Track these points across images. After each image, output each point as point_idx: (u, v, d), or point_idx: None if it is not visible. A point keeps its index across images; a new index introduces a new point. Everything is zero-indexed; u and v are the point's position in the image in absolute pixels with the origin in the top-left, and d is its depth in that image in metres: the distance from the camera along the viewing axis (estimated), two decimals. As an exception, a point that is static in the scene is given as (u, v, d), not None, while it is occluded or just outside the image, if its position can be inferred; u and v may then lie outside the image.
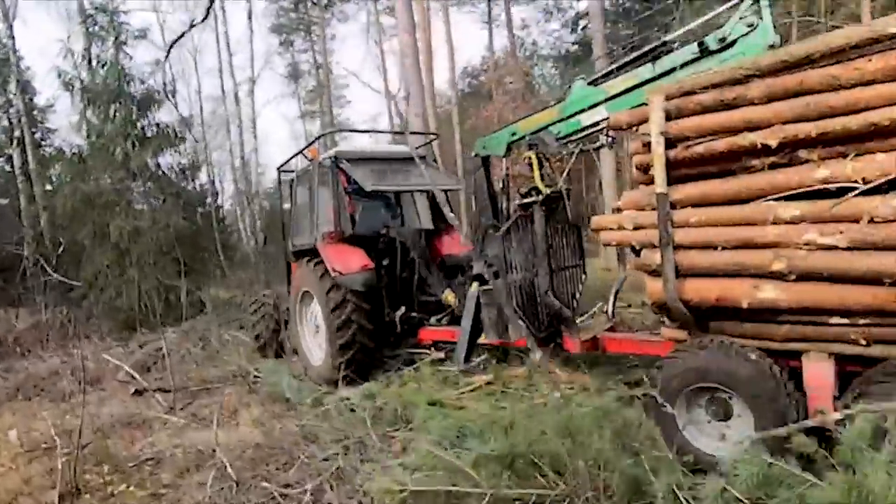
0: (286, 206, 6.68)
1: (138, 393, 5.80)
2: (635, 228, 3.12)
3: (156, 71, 12.69)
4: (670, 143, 2.90)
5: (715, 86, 2.78)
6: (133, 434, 4.63)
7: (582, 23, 20.63)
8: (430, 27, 14.74)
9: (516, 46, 21.34)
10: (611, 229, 3.24)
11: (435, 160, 6.10)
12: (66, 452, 3.84)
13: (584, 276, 4.74)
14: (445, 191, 5.88)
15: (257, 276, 13.52)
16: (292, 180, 6.43)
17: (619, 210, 3.31)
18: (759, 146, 2.60)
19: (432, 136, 6.31)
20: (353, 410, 4.26)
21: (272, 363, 6.27)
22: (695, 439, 2.87)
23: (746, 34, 3.18)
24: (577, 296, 4.56)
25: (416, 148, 6.30)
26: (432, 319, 5.33)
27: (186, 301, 10.02)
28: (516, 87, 16.17)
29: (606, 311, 4.13)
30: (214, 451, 3.82)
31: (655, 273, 3.06)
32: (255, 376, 5.88)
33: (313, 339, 5.72)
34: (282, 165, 6.88)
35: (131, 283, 10.36)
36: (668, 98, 2.91)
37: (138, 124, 11.49)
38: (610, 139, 4.14)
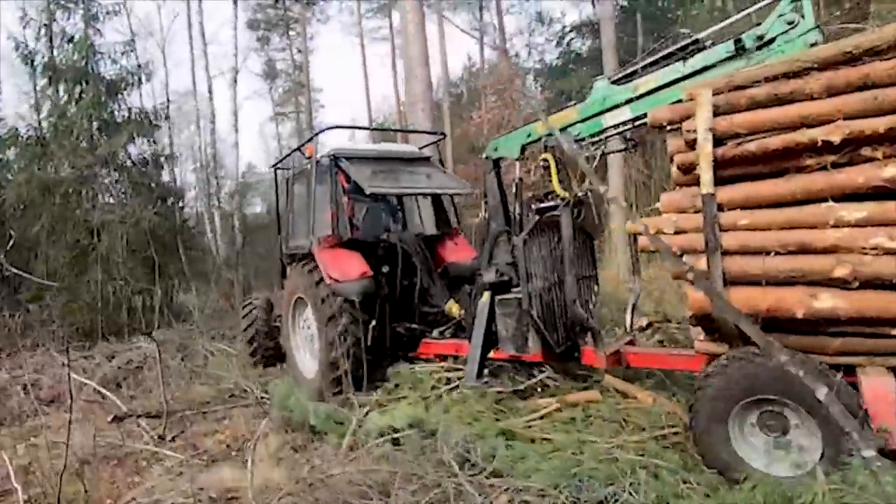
0: (281, 206, 6.31)
1: (118, 419, 4.74)
2: (676, 233, 2.90)
3: (128, 51, 11.44)
4: (717, 140, 2.71)
5: (768, 80, 2.60)
6: (116, 473, 3.71)
7: (569, 36, 20.90)
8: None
9: (507, 52, 21.31)
10: (648, 234, 3.00)
11: (442, 161, 5.79)
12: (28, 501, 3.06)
13: (597, 287, 4.51)
14: (453, 195, 5.58)
15: (232, 282, 12.63)
16: (288, 179, 6.04)
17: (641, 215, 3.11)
18: (820, 143, 2.42)
19: (439, 136, 5.99)
20: (397, 442, 3.43)
21: (283, 382, 5.10)
22: (747, 455, 2.62)
23: (786, 32, 3.04)
24: (592, 307, 4.32)
25: (422, 148, 6.02)
26: (434, 332, 5.00)
27: (160, 307, 9.14)
28: (508, 94, 16.06)
29: (642, 325, 3.90)
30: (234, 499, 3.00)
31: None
32: (262, 397, 5.11)
33: (306, 349, 5.31)
34: (276, 163, 6.50)
35: (94, 283, 9.17)
36: (716, 93, 2.72)
37: (107, 107, 10.51)
38: (633, 142, 3.95)
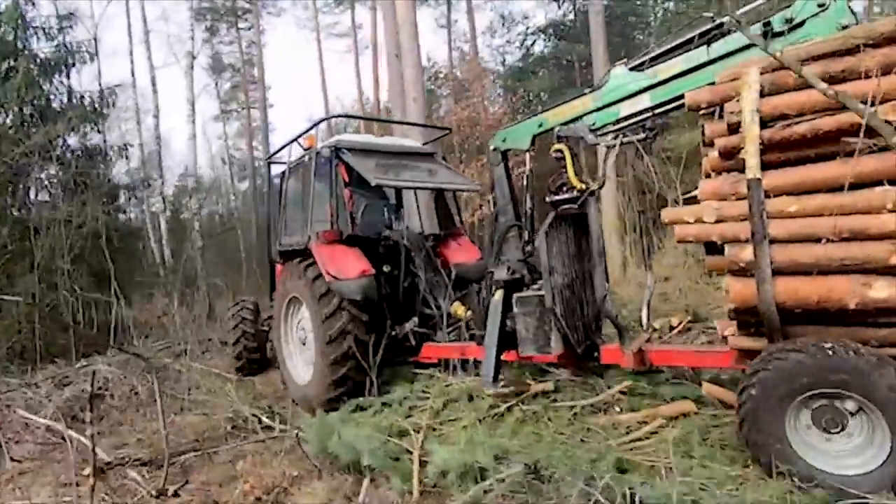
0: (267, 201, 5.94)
1: (99, 470, 3.38)
2: (717, 221, 2.73)
3: (67, 27, 10.10)
4: (762, 123, 2.56)
5: (816, 58, 2.47)
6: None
7: (532, 37, 20.97)
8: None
9: (477, 50, 21.12)
10: (687, 222, 2.83)
11: (444, 158, 5.53)
12: None
13: (607, 284, 4.34)
14: (459, 191, 5.33)
15: (184, 293, 11.39)
16: (283, 173, 5.66)
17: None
18: (878, 124, 2.29)
19: (444, 131, 5.71)
20: (483, 478, 2.69)
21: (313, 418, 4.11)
22: (803, 452, 2.46)
23: (817, 14, 2.95)
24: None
25: (424, 144, 5.75)
26: (438, 334, 4.73)
27: (116, 321, 8.04)
28: (479, 93, 15.90)
29: (671, 324, 3.72)
30: None
31: (741, 272, 2.69)
32: (273, 426, 4.26)
33: (299, 353, 4.95)
34: (271, 156, 6.13)
35: (31, 294, 7.66)
36: (760, 73, 2.57)
37: (42, 90, 9.29)
38: (651, 131, 3.80)
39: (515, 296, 3.69)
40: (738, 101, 2.60)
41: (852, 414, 2.40)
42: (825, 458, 2.43)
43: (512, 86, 19.07)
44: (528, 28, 21.44)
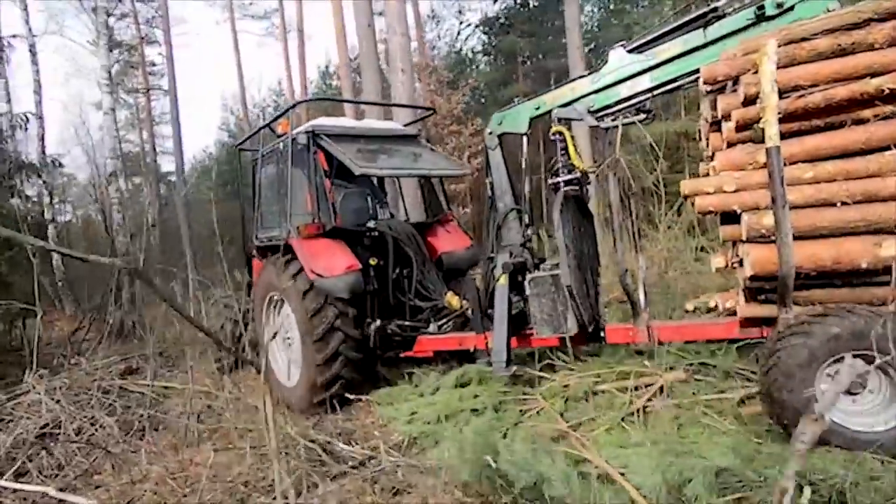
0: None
1: None
2: (737, 190, 2.82)
3: None
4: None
5: (827, 31, 2.62)
6: None
7: (465, 33, 21.28)
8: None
9: (423, 39, 20.96)
10: (707, 193, 2.90)
11: (428, 140, 5.36)
12: None
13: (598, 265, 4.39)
14: (448, 177, 5.20)
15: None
16: (254, 161, 5.25)
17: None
18: (887, 91, 2.46)
19: (428, 111, 5.54)
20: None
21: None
22: (842, 415, 2.56)
23: (805, 0, 3.15)
24: (599, 283, 4.18)
25: (406, 125, 5.54)
26: (432, 327, 4.57)
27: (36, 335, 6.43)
28: (428, 81, 15.75)
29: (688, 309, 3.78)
30: None
31: (761, 239, 2.78)
32: (372, 451, 3.29)
33: (284, 354, 4.61)
34: (241, 143, 5.66)
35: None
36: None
37: None
38: (649, 113, 3.89)
39: (529, 276, 3.63)
40: (755, 72, 2.70)
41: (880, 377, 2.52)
42: (852, 417, 2.54)
43: (456, 78, 19.18)
44: (461, 22, 21.76)
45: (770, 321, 3.14)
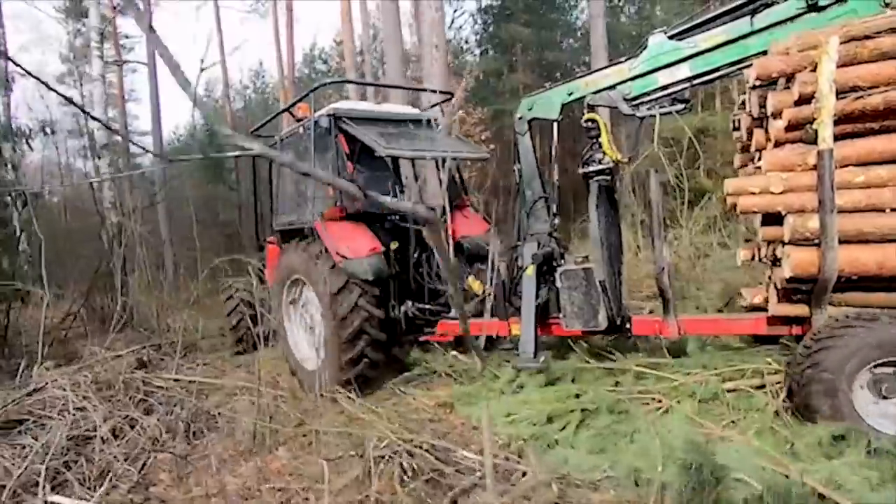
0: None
1: None
2: (784, 192, 2.77)
3: None
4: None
5: (893, 30, 2.52)
6: None
7: (458, 21, 20.53)
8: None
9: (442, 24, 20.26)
10: (752, 193, 2.85)
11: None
12: None
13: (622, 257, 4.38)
14: (469, 160, 5.11)
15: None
16: (272, 146, 5.13)
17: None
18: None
19: (446, 96, 5.43)
20: None
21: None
22: (866, 414, 2.60)
23: (861, -10, 3.02)
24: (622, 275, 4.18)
25: (424, 110, 5.41)
26: (453, 311, 4.57)
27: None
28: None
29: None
30: None
31: (803, 242, 2.76)
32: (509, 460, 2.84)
33: (305, 337, 4.62)
34: (256, 129, 5.54)
35: None
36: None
37: None
38: (686, 102, 3.79)
39: (561, 270, 3.61)
40: (812, 70, 2.61)
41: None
42: (886, 419, 2.58)
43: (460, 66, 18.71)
44: (455, 10, 21.04)
45: (801, 320, 3.17)
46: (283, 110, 5.10)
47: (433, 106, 5.41)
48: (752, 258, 3.80)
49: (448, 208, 5.18)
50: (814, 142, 2.65)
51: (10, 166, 9.73)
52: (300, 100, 4.82)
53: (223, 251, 11.82)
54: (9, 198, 6.33)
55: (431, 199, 5.55)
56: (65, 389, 3.84)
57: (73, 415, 3.55)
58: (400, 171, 5.48)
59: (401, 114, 4.97)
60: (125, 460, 3.19)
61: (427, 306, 4.63)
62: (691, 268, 5.80)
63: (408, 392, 4.22)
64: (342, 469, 2.83)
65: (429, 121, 5.06)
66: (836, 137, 2.65)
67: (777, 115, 2.79)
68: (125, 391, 4.08)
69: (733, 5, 3.38)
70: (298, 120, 4.70)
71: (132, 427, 3.57)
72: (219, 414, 3.96)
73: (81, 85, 20.80)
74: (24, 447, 3.21)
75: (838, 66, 2.59)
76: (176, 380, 4.55)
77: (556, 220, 3.99)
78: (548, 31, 19.97)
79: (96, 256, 8.20)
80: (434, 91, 5.56)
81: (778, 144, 2.84)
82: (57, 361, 5.08)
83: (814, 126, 2.62)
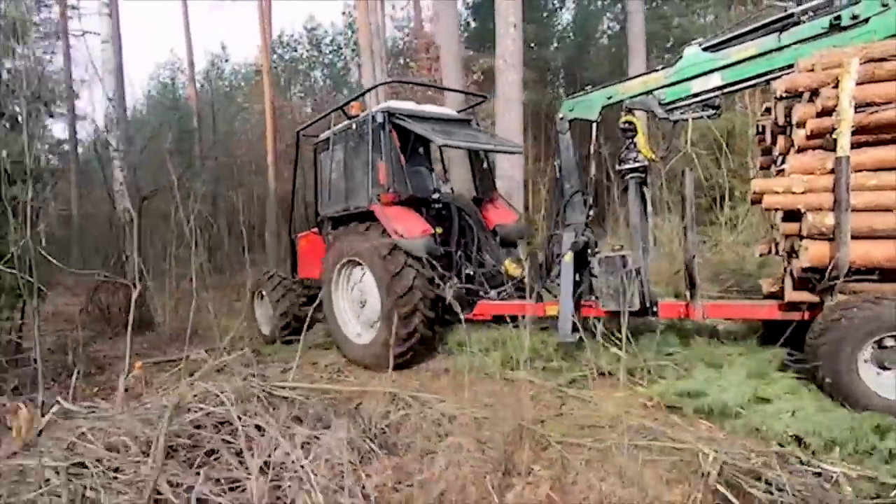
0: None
1: None
2: (805, 192, 3.17)
3: None
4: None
5: (906, 54, 2.90)
6: None
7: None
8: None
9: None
10: (776, 192, 3.25)
11: (476, 123, 5.69)
12: None
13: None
14: (508, 153, 5.54)
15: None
16: (323, 141, 5.58)
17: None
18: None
19: (479, 98, 5.85)
20: None
21: None
22: (869, 381, 3.01)
23: (879, 13, 3.38)
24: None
25: (459, 111, 5.83)
26: (492, 292, 5.00)
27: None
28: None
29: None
30: None
31: (819, 236, 3.16)
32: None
33: (356, 315, 5.05)
34: (305, 128, 5.98)
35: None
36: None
37: None
38: (717, 109, 4.17)
39: (599, 256, 4.02)
40: (834, 86, 2.99)
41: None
42: (886, 387, 3.00)
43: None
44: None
45: (812, 307, 3.57)
46: (334, 110, 5.51)
47: (468, 108, 5.85)
48: (769, 252, 4.21)
49: (483, 198, 5.62)
50: (833, 149, 3.04)
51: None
52: (354, 99, 5.28)
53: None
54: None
55: (461, 190, 5.96)
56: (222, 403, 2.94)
57: (251, 437, 2.74)
58: (431, 163, 5.92)
59: (440, 113, 5.42)
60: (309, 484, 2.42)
61: (471, 287, 5.06)
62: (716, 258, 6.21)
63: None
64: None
65: (468, 120, 5.48)
66: (853, 146, 3.04)
67: (801, 124, 3.18)
68: (269, 404, 3.21)
69: (763, 22, 3.75)
70: (350, 117, 5.11)
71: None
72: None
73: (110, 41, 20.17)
74: (237, 484, 2.46)
75: (857, 84, 2.97)
76: (294, 388, 3.72)
77: (592, 212, 4.40)
78: (548, 31, 20.15)
79: (106, 246, 7.58)
80: (472, 94, 5.99)
81: (801, 150, 3.23)
82: (85, 368, 4.57)
83: (833, 135, 3.01)
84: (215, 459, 2.64)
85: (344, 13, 25.75)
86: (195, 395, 3.17)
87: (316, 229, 6.08)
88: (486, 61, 18.79)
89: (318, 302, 4.67)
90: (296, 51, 27.52)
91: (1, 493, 2.41)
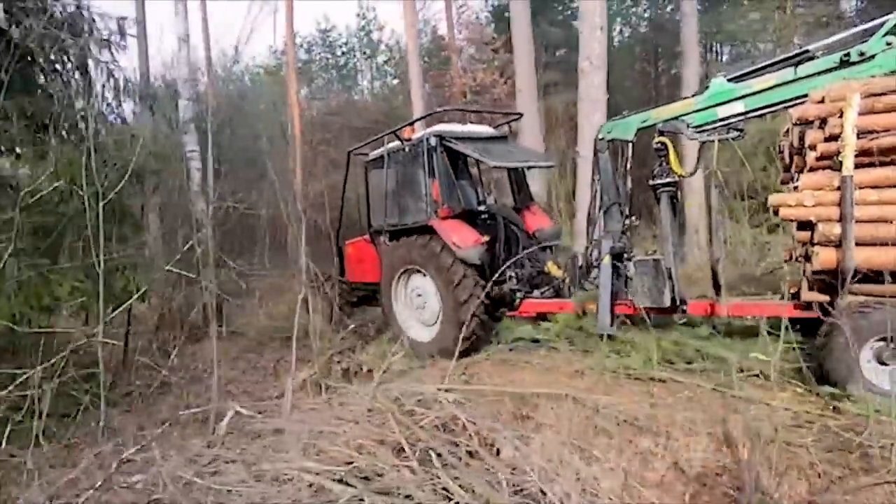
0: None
1: None
2: (815, 205, 3.71)
3: None
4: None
5: (902, 90, 3.43)
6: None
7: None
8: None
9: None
10: (790, 206, 3.80)
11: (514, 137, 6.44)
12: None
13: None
14: (547, 167, 6.24)
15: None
16: (375, 159, 6.36)
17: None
18: (942, 141, 3.29)
19: (515, 116, 6.57)
20: None
21: None
22: (877, 379, 3.52)
23: (884, 51, 3.90)
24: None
25: (496, 127, 6.52)
26: (535, 292, 5.63)
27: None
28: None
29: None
30: None
31: (829, 243, 3.69)
32: None
33: (415, 316, 5.74)
34: (356, 149, 6.79)
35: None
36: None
37: None
38: (741, 131, 4.71)
39: (635, 259, 4.61)
40: (839, 117, 3.54)
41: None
42: (885, 380, 3.50)
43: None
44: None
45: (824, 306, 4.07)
46: (387, 133, 6.24)
47: (501, 124, 6.54)
48: (790, 258, 4.72)
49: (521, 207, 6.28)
50: (839, 169, 3.58)
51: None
52: (407, 125, 6.05)
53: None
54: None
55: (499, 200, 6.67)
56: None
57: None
58: (472, 177, 6.62)
59: (481, 133, 6.12)
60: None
61: (516, 287, 5.70)
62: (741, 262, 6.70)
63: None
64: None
65: (504, 136, 6.17)
66: (857, 166, 3.57)
67: (812, 147, 3.72)
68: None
69: (781, 57, 4.31)
70: (405, 140, 5.85)
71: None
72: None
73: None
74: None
75: (859, 115, 3.51)
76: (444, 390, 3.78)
77: (628, 221, 4.99)
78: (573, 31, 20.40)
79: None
80: (503, 113, 6.72)
81: (812, 169, 3.77)
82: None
83: (839, 158, 3.55)
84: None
85: (359, 15, 26.64)
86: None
87: (367, 237, 6.79)
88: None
89: (369, 301, 5.43)
90: (309, 52, 28.25)
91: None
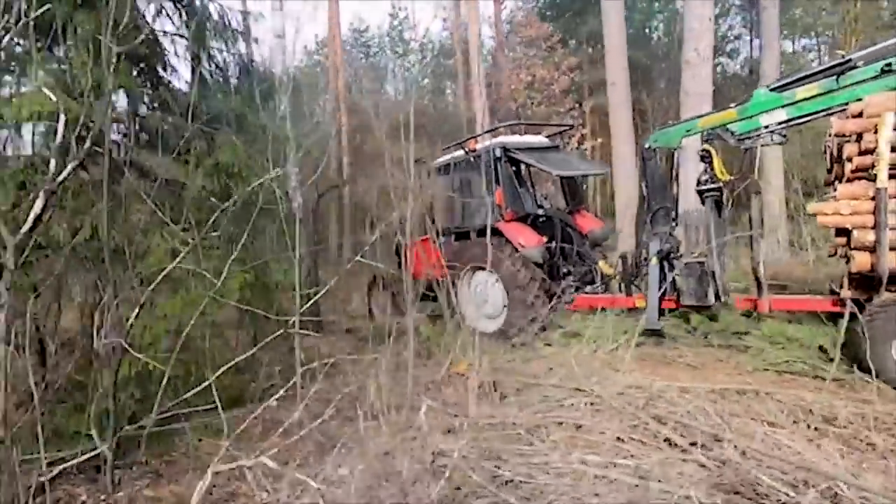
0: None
1: None
2: (851, 213, 4.02)
3: None
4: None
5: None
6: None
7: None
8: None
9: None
10: (825, 214, 4.13)
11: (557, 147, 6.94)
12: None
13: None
14: (599, 175, 6.71)
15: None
16: (441, 167, 7.03)
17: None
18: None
19: (566, 126, 7.08)
20: None
21: None
22: None
23: (925, 59, 4.08)
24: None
25: (549, 136, 7.02)
26: (588, 288, 6.17)
27: None
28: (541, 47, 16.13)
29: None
30: None
31: (863, 248, 4.01)
32: None
33: (479, 309, 6.44)
34: (419, 160, 7.47)
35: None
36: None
37: None
38: (784, 138, 4.98)
39: (684, 260, 5.06)
40: (874, 132, 3.82)
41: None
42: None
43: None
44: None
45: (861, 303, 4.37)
46: (453, 144, 6.81)
47: (555, 134, 7.00)
48: (835, 253, 5.00)
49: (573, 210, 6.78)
50: (874, 180, 3.87)
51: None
52: (471, 138, 6.63)
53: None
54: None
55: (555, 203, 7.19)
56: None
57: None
58: (524, 182, 7.14)
59: (537, 143, 6.64)
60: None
61: (572, 283, 6.26)
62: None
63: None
64: None
65: (557, 146, 6.65)
66: (890, 177, 3.85)
67: (849, 159, 4.01)
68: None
69: (824, 67, 4.54)
70: (469, 151, 6.44)
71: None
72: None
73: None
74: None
75: (894, 130, 3.77)
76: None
77: (675, 224, 5.39)
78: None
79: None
80: (562, 125, 7.16)
81: (849, 180, 4.07)
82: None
83: (874, 171, 3.84)
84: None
85: (392, 14, 26.85)
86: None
87: (429, 237, 7.47)
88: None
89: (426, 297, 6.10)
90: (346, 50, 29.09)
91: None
